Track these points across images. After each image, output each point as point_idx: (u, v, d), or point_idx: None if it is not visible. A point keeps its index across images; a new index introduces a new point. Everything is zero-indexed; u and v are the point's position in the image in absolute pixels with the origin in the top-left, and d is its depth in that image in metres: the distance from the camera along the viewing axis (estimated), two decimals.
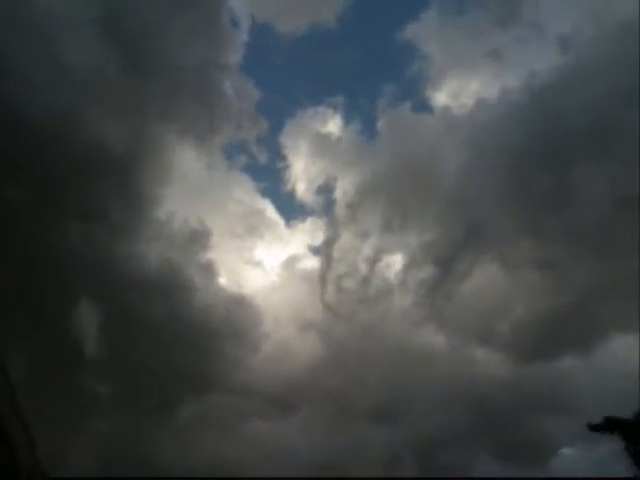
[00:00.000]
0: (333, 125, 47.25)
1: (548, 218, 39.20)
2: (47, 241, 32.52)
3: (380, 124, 47.17)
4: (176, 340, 34.46)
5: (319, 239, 44.34)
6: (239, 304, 38.13)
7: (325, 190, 46.15)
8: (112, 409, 32.55)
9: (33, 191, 32.33)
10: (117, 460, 29.61)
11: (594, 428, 18.49)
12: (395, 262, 42.63)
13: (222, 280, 39.86)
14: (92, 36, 34.29)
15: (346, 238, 42.11)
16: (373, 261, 41.90)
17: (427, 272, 40.79)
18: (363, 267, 41.50)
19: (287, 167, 46.85)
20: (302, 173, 46.68)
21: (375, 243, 42.84)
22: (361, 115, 54.75)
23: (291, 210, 55.89)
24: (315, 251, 43.70)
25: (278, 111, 55.02)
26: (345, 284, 40.80)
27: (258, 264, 43.37)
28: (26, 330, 29.57)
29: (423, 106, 49.16)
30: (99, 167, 34.07)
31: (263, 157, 46.38)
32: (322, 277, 40.13)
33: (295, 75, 56.85)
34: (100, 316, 31.58)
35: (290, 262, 43.38)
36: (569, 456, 34.22)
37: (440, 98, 47.53)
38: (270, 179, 55.11)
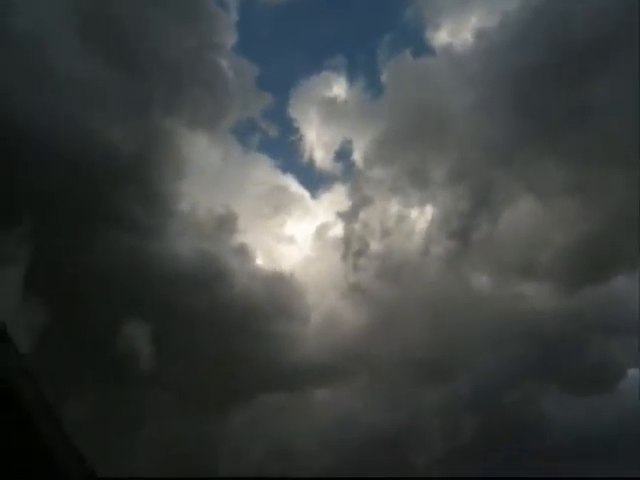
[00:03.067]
0: (338, 88, 46.20)
1: (571, 139, 38.20)
2: (77, 254, 32.40)
3: (384, 77, 46.06)
4: (223, 329, 34.50)
5: (346, 204, 43.79)
6: (279, 281, 38.00)
7: (343, 155, 45.45)
8: (178, 412, 32.89)
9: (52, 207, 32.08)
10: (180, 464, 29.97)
11: None
12: (425, 214, 41.94)
13: (258, 261, 39.65)
14: (77, 43, 33.57)
15: (372, 200, 41.45)
16: (401, 219, 41.17)
17: (457, 218, 40.08)
18: (391, 228, 40.84)
19: (300, 138, 46.09)
20: (316, 142, 45.91)
21: (401, 200, 42.12)
22: (364, 72, 53.29)
23: (313, 181, 55.23)
24: (344, 217, 43.20)
25: (280, 84, 54.01)
26: (371, 252, 40.23)
27: (290, 239, 42.92)
28: (77, 348, 29.72)
29: (424, 50, 47.87)
30: (113, 174, 33.75)
31: (274, 132, 45.56)
32: (345, 255, 39.63)
33: (290, 44, 55.52)
34: (146, 323, 31.41)
35: (321, 232, 42.90)
36: (638, 377, 33.79)
37: (439, 38, 46.17)
38: (286, 154, 54.29)
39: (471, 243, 39.91)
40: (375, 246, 40.34)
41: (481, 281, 40.77)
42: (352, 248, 39.78)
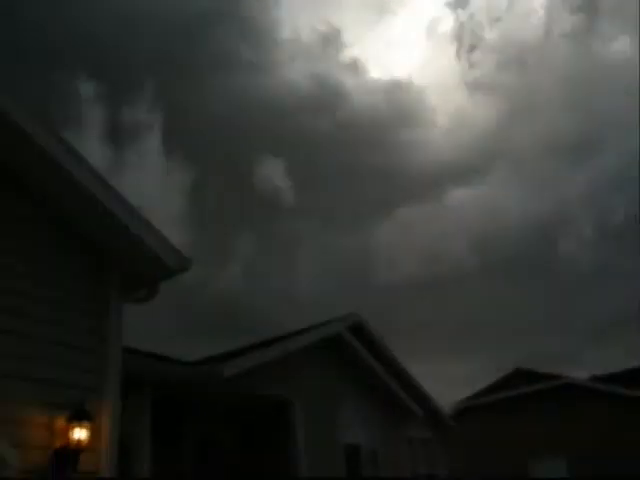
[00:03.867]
0: None
1: None
2: (202, 106, 32.91)
3: None
4: (351, 146, 34.47)
5: None
6: (397, 89, 36.53)
7: None
8: (326, 233, 34.40)
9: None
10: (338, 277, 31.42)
11: None
12: None
13: (372, 73, 38.16)
14: None
15: None
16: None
17: None
18: (504, 12, 36.90)
19: None
20: None
21: None
22: None
23: None
24: (452, 6, 39.79)
25: None
26: (487, 42, 36.93)
27: (400, 43, 40.48)
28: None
29: None
30: (211, 18, 32.93)
31: None
32: (458, 51, 36.65)
33: None
34: (279, 158, 31.98)
35: (431, 29, 39.97)
36: None
37: None
38: None
39: (600, 10, 35.53)
40: (490, 35, 37.19)
41: (621, 47, 36.57)
42: (465, 42, 37.15)
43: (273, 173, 31.94)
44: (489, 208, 36.33)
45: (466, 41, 37.49)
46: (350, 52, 36.77)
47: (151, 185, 29.35)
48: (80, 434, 5.67)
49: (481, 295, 33.37)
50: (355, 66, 36.09)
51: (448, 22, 39.32)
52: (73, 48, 27.84)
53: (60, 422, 5.68)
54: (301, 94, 34.10)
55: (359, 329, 13.76)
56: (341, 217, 35.74)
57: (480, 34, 37.03)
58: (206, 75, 32.98)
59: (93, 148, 28.68)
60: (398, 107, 35.81)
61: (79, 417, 5.71)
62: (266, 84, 34.50)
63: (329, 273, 34.63)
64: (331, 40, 35.35)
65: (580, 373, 29.67)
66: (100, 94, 27.36)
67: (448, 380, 29.25)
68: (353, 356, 12.97)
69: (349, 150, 34.12)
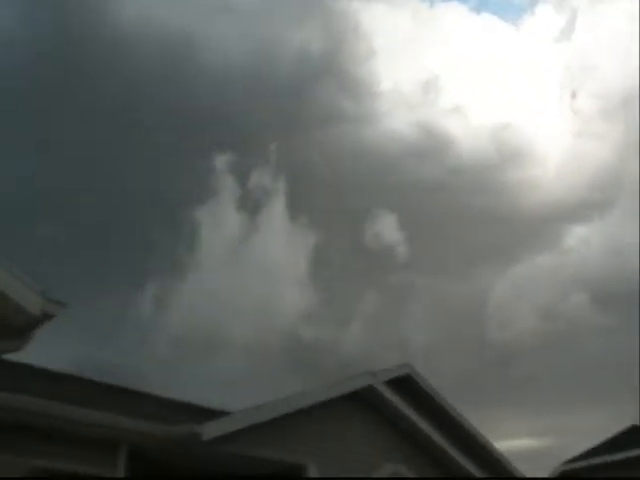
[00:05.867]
0: None
1: None
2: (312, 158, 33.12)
3: None
4: (461, 192, 32.93)
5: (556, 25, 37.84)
6: (505, 131, 34.40)
7: None
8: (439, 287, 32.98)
9: None
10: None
11: None
12: None
13: (476, 117, 36.33)
14: None
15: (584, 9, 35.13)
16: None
17: None
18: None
19: None
20: None
21: None
22: None
23: (510, 7, 47.66)
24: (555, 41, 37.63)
25: None
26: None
27: (502, 85, 37.60)
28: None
29: None
30: (311, 74, 33.27)
31: None
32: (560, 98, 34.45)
33: None
34: (390, 211, 31.30)
35: (533, 71, 37.39)
36: None
37: None
38: None
39: None
40: (593, 79, 34.76)
41: None
42: (566, 86, 35.20)
43: (386, 226, 31.24)
44: (612, 245, 32.79)
45: (567, 86, 35.70)
46: (452, 97, 35.50)
47: (279, 248, 29.86)
48: None
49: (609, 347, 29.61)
50: (458, 111, 34.70)
51: (550, 65, 37.57)
52: (201, 124, 29.70)
53: None
54: (406, 142, 33.30)
55: (408, 382, 12.44)
56: (455, 265, 33.91)
57: (581, 80, 35.32)
58: (313, 131, 33.33)
59: (230, 217, 30.07)
60: (506, 149, 33.68)
61: None
62: (370, 135, 34.08)
63: (442, 325, 32.75)
64: (431, 87, 34.52)
65: None
66: (231, 164, 28.69)
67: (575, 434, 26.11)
68: (394, 414, 11.69)
69: (459, 195, 32.52)
